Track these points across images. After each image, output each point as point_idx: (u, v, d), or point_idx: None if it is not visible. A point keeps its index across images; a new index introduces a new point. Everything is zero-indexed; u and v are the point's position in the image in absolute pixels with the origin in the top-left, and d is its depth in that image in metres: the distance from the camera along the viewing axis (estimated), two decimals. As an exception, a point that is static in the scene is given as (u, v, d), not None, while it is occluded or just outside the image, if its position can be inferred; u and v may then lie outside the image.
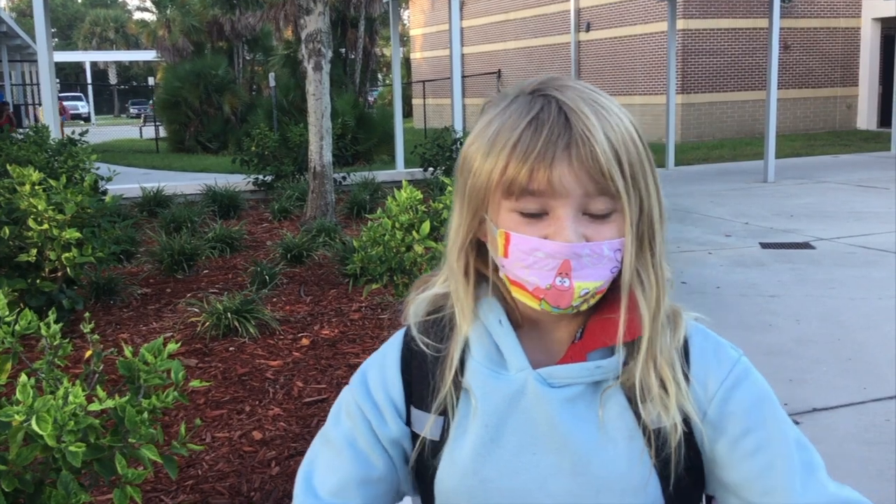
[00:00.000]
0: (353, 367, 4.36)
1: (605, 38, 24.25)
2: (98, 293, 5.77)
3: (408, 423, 1.08)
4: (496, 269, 1.02)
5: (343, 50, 22.52)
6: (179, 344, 4.47)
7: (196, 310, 5.10)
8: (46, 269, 5.05)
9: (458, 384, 1.03)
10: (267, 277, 5.97)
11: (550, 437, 0.99)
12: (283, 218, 9.03)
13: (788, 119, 22.56)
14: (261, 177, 11.05)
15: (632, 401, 0.98)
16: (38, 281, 5.00)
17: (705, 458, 1.02)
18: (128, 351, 2.38)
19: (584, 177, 0.92)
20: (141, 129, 31.33)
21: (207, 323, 4.90)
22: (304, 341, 4.84)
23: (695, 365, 1.01)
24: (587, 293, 0.96)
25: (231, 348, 4.70)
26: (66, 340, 2.51)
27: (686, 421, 0.99)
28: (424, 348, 1.06)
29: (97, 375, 2.49)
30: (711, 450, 1.00)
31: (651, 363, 0.98)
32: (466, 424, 1.02)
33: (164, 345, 2.42)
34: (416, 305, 1.10)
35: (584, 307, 0.98)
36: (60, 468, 2.09)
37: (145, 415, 2.21)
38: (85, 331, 2.48)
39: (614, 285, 0.99)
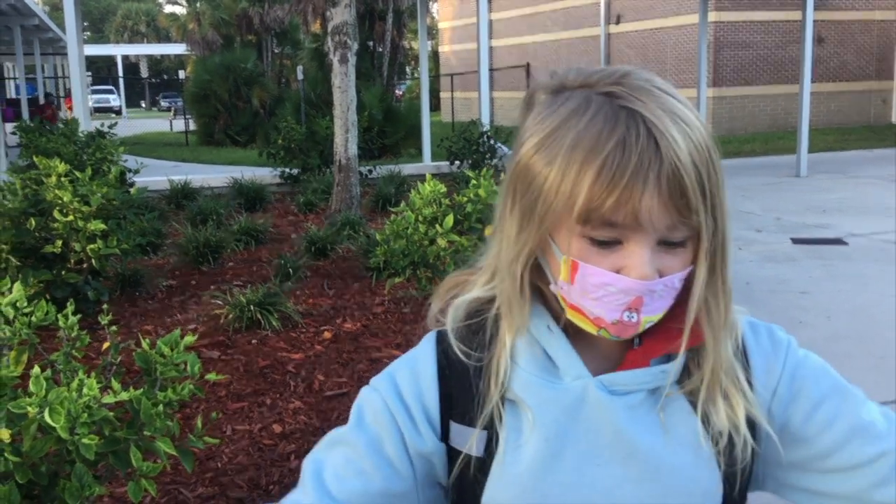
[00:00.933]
0: (374, 362, 4.34)
1: (636, 31, 24.03)
2: (124, 284, 5.80)
3: (444, 438, 0.99)
4: (548, 281, 0.95)
5: (371, 43, 22.51)
6: (197, 336, 4.48)
7: (219, 302, 5.10)
8: (72, 261, 5.08)
9: (504, 396, 0.96)
10: (291, 270, 5.96)
11: (616, 446, 0.94)
12: (309, 211, 9.03)
13: (822, 113, 22.22)
14: (287, 170, 11.07)
15: (695, 407, 0.95)
16: (63, 272, 5.03)
17: (766, 456, 1.00)
18: (145, 343, 2.36)
19: (672, 209, 0.85)
20: (171, 122, 31.58)
21: (231, 315, 4.90)
22: (327, 335, 4.82)
23: (754, 363, 0.99)
24: (651, 325, 0.91)
25: (254, 341, 4.70)
26: (84, 332, 2.51)
27: (750, 424, 0.96)
28: (464, 357, 0.98)
29: (114, 367, 2.48)
30: (781, 440, 0.97)
31: (715, 376, 0.94)
32: (519, 439, 0.96)
33: (182, 337, 2.41)
34: (455, 310, 1.01)
35: (642, 330, 0.93)
36: (74, 460, 2.08)
37: (160, 407, 2.19)
38: (103, 322, 2.47)
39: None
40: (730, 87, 21.55)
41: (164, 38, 53.81)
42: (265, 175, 10.93)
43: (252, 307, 4.89)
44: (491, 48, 31.01)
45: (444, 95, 33.01)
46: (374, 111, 18.04)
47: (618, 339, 0.91)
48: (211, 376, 2.37)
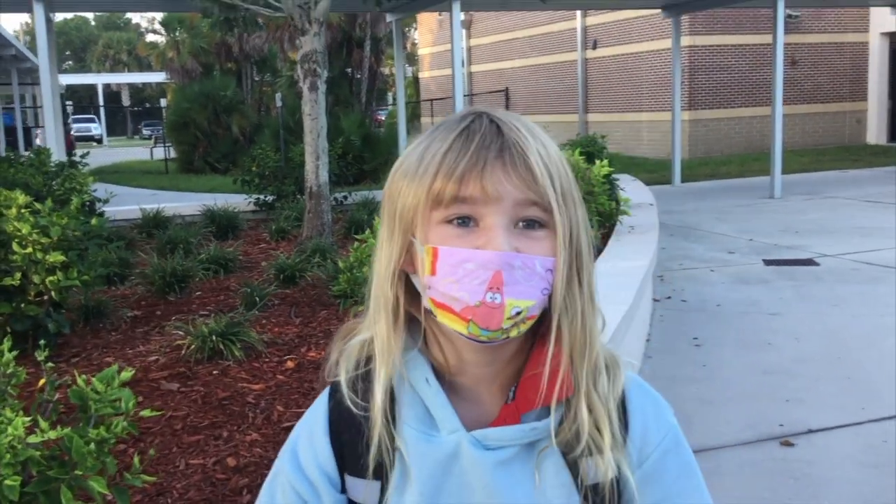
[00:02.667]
0: (336, 391, 4.28)
1: (612, 56, 24.23)
2: (87, 316, 5.72)
3: (343, 490, 1.02)
4: (426, 312, 0.96)
5: (349, 70, 22.58)
6: (158, 368, 4.38)
7: (181, 333, 5.04)
8: (32, 293, 5.01)
9: (390, 447, 0.98)
10: (258, 299, 5.90)
11: (487, 501, 0.95)
12: (281, 238, 8.98)
13: (797, 134, 22.42)
14: (262, 197, 11.03)
15: (567, 458, 0.96)
16: (23, 305, 4.95)
17: None
18: (80, 380, 2.32)
19: (518, 183, 0.89)
20: (152, 151, 31.51)
21: (192, 346, 4.83)
22: (290, 364, 4.76)
23: (633, 423, 0.99)
24: (518, 313, 0.90)
25: (215, 372, 4.63)
26: (21, 368, 2.46)
27: (622, 475, 0.97)
28: (353, 407, 0.99)
29: (51, 404, 2.43)
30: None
31: (585, 418, 0.95)
32: (403, 488, 0.98)
33: (119, 373, 2.36)
34: (347, 358, 1.02)
35: (515, 333, 0.92)
36: (1, 502, 2.03)
37: (92, 445, 2.14)
38: (39, 359, 2.42)
39: (545, 330, 0.94)
40: (705, 110, 21.73)
41: (146, 66, 53.82)
42: (240, 202, 10.88)
43: (214, 337, 4.83)
44: (470, 73, 31.23)
45: (425, 120, 33.14)
46: (352, 137, 18.04)
47: (487, 332, 0.90)
48: (146, 413, 2.32)
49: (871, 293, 7.18)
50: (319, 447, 1.02)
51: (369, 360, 1.00)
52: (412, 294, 0.97)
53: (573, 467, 0.96)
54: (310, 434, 1.03)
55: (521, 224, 0.91)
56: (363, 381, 1.00)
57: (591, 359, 0.95)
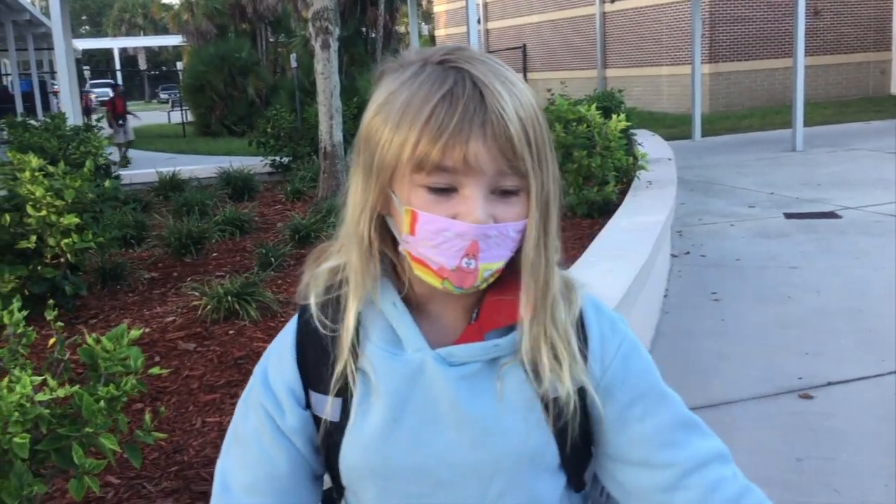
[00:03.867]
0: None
1: (631, 8, 23.83)
2: (104, 278, 5.74)
3: (308, 406, 1.08)
4: (395, 245, 1.02)
5: (364, 29, 22.37)
6: (175, 328, 4.39)
7: (197, 293, 5.05)
8: (48, 256, 5.03)
9: (353, 366, 1.03)
10: (273, 259, 5.90)
11: (450, 413, 1.01)
12: (297, 199, 8.96)
13: (820, 86, 22.04)
14: (277, 158, 11.00)
15: (528, 374, 1.01)
16: (39, 267, 4.98)
17: (595, 423, 1.08)
18: (90, 339, 2.32)
19: (498, 155, 0.91)
20: (169, 114, 31.51)
21: (208, 306, 4.84)
22: (305, 323, 4.77)
23: (591, 337, 1.06)
24: (489, 274, 0.97)
25: (231, 331, 4.65)
26: (31, 328, 2.46)
27: (580, 390, 1.03)
28: (321, 328, 1.04)
29: (62, 363, 2.43)
30: (602, 415, 1.05)
31: (544, 338, 1.00)
32: (367, 405, 1.03)
33: (129, 331, 2.36)
34: (315, 281, 1.07)
35: (484, 286, 0.99)
36: (13, 460, 2.04)
37: (102, 403, 2.15)
38: (49, 318, 2.42)
39: (508, 265, 1.00)
40: (726, 63, 21.38)
41: (162, 30, 53.65)
42: (255, 164, 10.86)
43: (230, 298, 4.84)
44: (487, 30, 30.86)
45: (442, 79, 32.85)
46: (367, 97, 17.93)
47: (460, 290, 0.97)
48: (154, 370, 2.33)
49: (893, 245, 7.08)
50: (286, 365, 1.07)
51: (340, 284, 1.05)
52: (384, 229, 1.01)
53: (535, 382, 1.01)
54: (279, 353, 1.09)
55: (498, 191, 0.94)
56: (333, 304, 1.05)
57: (551, 292, 1.00)
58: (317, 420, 1.08)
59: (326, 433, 1.06)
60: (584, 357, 1.04)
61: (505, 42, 29.95)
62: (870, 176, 10.69)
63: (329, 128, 8.02)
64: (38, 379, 2.11)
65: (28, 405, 1.98)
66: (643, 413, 1.06)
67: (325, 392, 1.05)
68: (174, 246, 6.42)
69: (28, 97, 25.43)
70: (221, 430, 3.46)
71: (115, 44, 55.28)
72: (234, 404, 3.70)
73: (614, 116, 7.26)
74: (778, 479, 3.39)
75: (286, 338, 1.10)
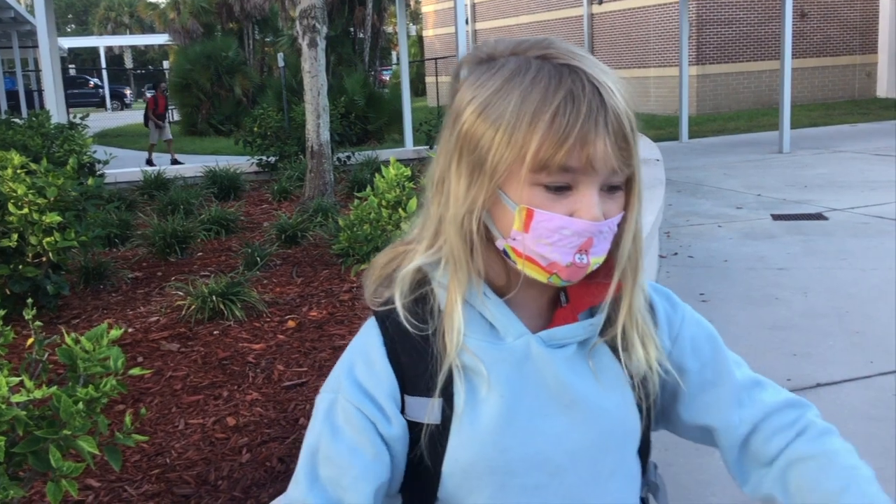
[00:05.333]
0: (337, 350, 4.24)
1: (619, 10, 23.87)
2: (87, 277, 5.68)
3: (402, 412, 1.03)
4: (491, 240, 1.00)
5: (352, 29, 22.30)
6: (159, 328, 4.34)
7: (181, 293, 4.99)
8: (30, 255, 4.96)
9: (458, 362, 1.01)
10: (258, 259, 5.84)
11: (560, 396, 1.02)
12: (284, 199, 8.90)
13: (806, 89, 22.13)
14: (264, 157, 10.93)
15: (616, 353, 1.04)
16: (20, 266, 4.91)
17: (670, 398, 1.14)
18: (69, 339, 2.26)
19: (616, 154, 0.93)
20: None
21: (193, 306, 4.79)
22: (291, 323, 4.71)
23: (658, 316, 1.11)
24: (597, 267, 0.99)
25: (215, 332, 4.59)
26: (8, 328, 2.40)
27: (660, 364, 1.07)
28: (414, 330, 1.01)
29: (41, 364, 2.38)
30: (678, 387, 1.11)
31: (630, 319, 1.03)
32: (476, 399, 1.00)
33: (109, 331, 2.31)
34: (401, 283, 1.04)
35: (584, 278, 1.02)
36: (-11, 462, 1.98)
37: (81, 405, 2.10)
38: (27, 317, 2.36)
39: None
40: (713, 65, 21.43)
41: (149, 28, 53.33)
42: (242, 163, 10.79)
43: (215, 298, 4.79)
44: (475, 31, 30.84)
45: (430, 80, 32.82)
46: (355, 97, 17.88)
47: (568, 283, 0.98)
48: (134, 371, 2.27)
49: (880, 247, 7.09)
50: (381, 371, 1.02)
51: (421, 283, 1.04)
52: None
53: (623, 361, 1.04)
54: (367, 360, 1.03)
55: (605, 187, 0.95)
56: (421, 303, 1.03)
57: (640, 278, 1.04)
58: (410, 428, 1.03)
59: (430, 438, 1.01)
60: (656, 334, 1.08)
61: (493, 43, 29.91)
62: (856, 178, 10.72)
63: (316, 127, 7.96)
64: (15, 380, 2.06)
65: (4, 406, 1.92)
66: (715, 377, 1.12)
67: (425, 394, 1.01)
68: (159, 245, 6.36)
69: (13, 95, 25.21)
70: (204, 432, 3.41)
71: (101, 42, 54.90)
72: (217, 405, 3.66)
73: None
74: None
75: (371, 341, 1.05)
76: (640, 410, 1.07)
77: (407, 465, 1.04)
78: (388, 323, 1.04)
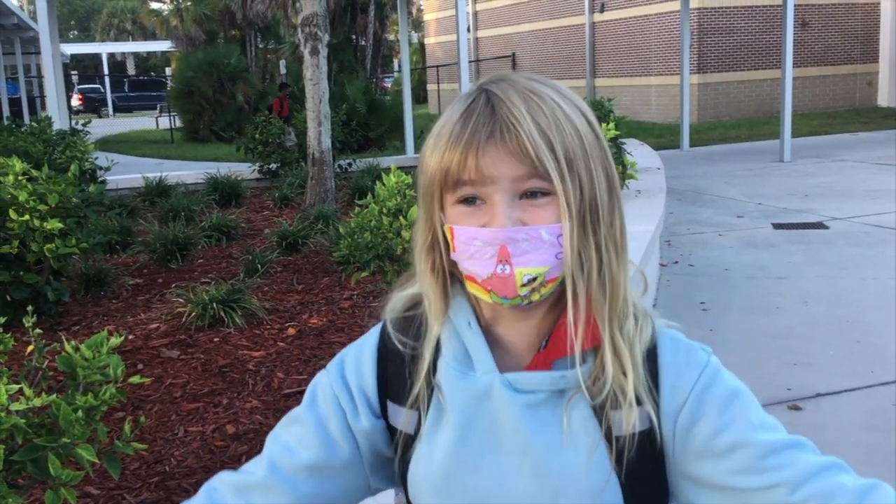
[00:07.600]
0: (337, 357, 4.23)
1: (620, 19, 23.90)
2: (88, 284, 5.68)
3: (384, 416, 1.10)
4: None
5: (353, 36, 22.33)
6: (159, 335, 4.33)
7: (182, 300, 4.99)
8: (30, 261, 4.96)
9: (430, 382, 1.06)
10: (259, 266, 5.85)
11: (513, 439, 1.00)
12: (285, 206, 8.91)
13: (807, 97, 22.15)
14: (265, 164, 10.94)
15: (595, 408, 0.99)
16: (21, 273, 4.91)
17: (673, 465, 1.00)
18: (69, 347, 2.26)
19: (513, 161, 0.93)
20: (157, 120, 31.35)
21: (193, 313, 4.79)
22: (291, 331, 4.71)
23: (665, 371, 1.01)
24: (531, 279, 0.95)
25: (216, 339, 4.59)
26: (8, 335, 2.40)
27: (650, 430, 0.99)
28: (399, 345, 1.08)
29: (40, 372, 2.37)
30: (684, 455, 0.99)
31: (611, 369, 0.97)
32: (438, 421, 1.05)
33: (109, 338, 2.31)
34: (394, 302, 1.12)
35: (536, 297, 0.97)
36: (-12, 470, 1.98)
37: (80, 413, 2.09)
38: (27, 325, 2.36)
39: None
40: (714, 74, 21.45)
41: (151, 35, 53.42)
42: (244, 170, 10.80)
43: (215, 305, 4.79)
44: (476, 39, 30.90)
45: (431, 87, 32.86)
46: (357, 104, 17.89)
47: (508, 300, 0.96)
48: (134, 379, 2.27)
49: (881, 256, 7.09)
50: (365, 371, 1.10)
51: (416, 306, 1.09)
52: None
53: (601, 418, 0.99)
54: (357, 358, 1.11)
55: (524, 195, 0.94)
56: (409, 323, 1.09)
57: (616, 306, 0.98)
58: (392, 432, 1.09)
59: (403, 445, 1.08)
60: (655, 395, 0.99)
61: (494, 51, 29.99)
62: (857, 187, 10.72)
63: (317, 134, 7.97)
64: (15, 388, 2.06)
65: (3, 415, 1.92)
66: (731, 445, 0.95)
67: (402, 403, 1.07)
68: (159, 252, 6.36)
69: (15, 102, 25.26)
70: (204, 440, 3.41)
71: (103, 48, 54.91)
72: (217, 413, 3.66)
73: (603, 125, 7.25)
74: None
75: (367, 343, 1.13)
76: (620, 473, 0.98)
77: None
78: (385, 333, 1.12)
